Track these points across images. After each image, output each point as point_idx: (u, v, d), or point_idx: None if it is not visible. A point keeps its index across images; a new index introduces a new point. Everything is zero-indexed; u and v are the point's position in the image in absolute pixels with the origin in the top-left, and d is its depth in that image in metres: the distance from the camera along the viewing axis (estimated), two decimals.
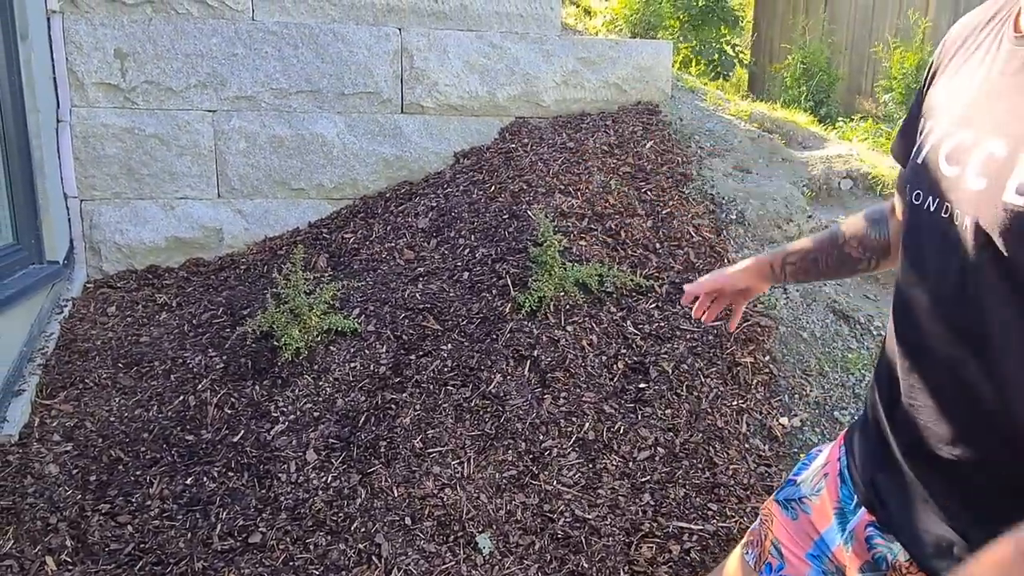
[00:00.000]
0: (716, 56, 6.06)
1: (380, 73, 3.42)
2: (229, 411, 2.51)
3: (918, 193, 0.90)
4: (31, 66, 2.89)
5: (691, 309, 1.47)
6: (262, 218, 3.39)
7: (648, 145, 3.54)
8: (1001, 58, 0.85)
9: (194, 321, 2.93)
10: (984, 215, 0.79)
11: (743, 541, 1.19)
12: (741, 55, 6.55)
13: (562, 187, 3.24)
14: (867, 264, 1.17)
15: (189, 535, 2.11)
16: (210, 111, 3.27)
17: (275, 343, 2.65)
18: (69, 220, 3.19)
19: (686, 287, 1.39)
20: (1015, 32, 0.84)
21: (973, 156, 0.82)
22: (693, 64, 6.09)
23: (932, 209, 0.87)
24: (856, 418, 1.10)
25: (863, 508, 0.96)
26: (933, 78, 0.96)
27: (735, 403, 2.44)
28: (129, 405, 2.56)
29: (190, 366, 2.69)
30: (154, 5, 3.14)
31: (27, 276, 2.82)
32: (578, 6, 5.09)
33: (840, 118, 5.37)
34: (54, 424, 2.46)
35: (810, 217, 3.27)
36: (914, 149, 0.93)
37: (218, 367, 2.67)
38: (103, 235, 3.21)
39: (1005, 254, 0.77)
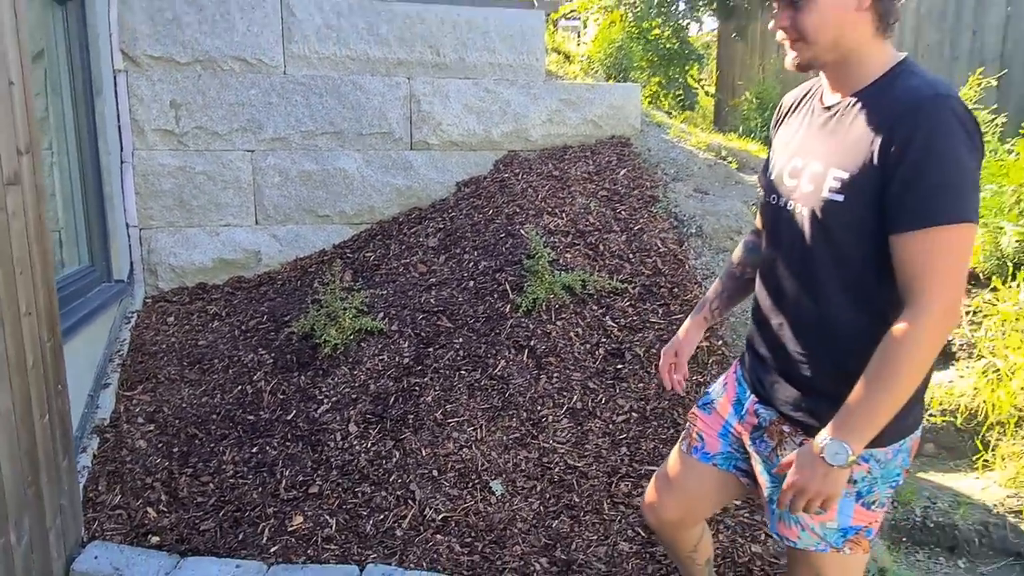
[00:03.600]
0: (681, 90, 6.75)
1: (392, 116, 4.02)
2: (281, 396, 3.05)
3: (773, 196, 1.49)
4: (104, 116, 3.47)
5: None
6: (294, 241, 3.95)
7: (622, 173, 4.16)
8: (814, 117, 1.45)
9: (243, 327, 3.48)
10: (813, 205, 1.37)
11: (679, 441, 1.76)
12: (706, 88, 7.26)
13: (549, 209, 3.84)
14: (755, 278, 1.75)
15: (260, 488, 2.63)
16: (249, 151, 3.85)
17: (316, 341, 3.20)
18: (130, 246, 3.73)
19: (662, 376, 1.78)
20: (821, 103, 1.44)
21: (804, 172, 1.41)
22: (662, 97, 6.77)
23: (782, 205, 1.46)
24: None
25: (752, 395, 1.54)
26: (776, 129, 1.56)
27: (694, 378, 3.01)
28: (197, 394, 3.09)
29: (244, 362, 3.23)
30: (203, 63, 3.74)
31: (101, 293, 3.35)
32: (559, 52, 5.75)
33: None
34: (137, 410, 2.99)
35: None
36: (769, 172, 1.53)
37: (268, 362, 3.22)
38: (159, 258, 3.76)
39: (826, 228, 1.35)
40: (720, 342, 3.18)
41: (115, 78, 3.61)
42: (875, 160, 1.24)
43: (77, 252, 3.31)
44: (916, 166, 1.19)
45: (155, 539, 2.45)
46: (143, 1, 3.60)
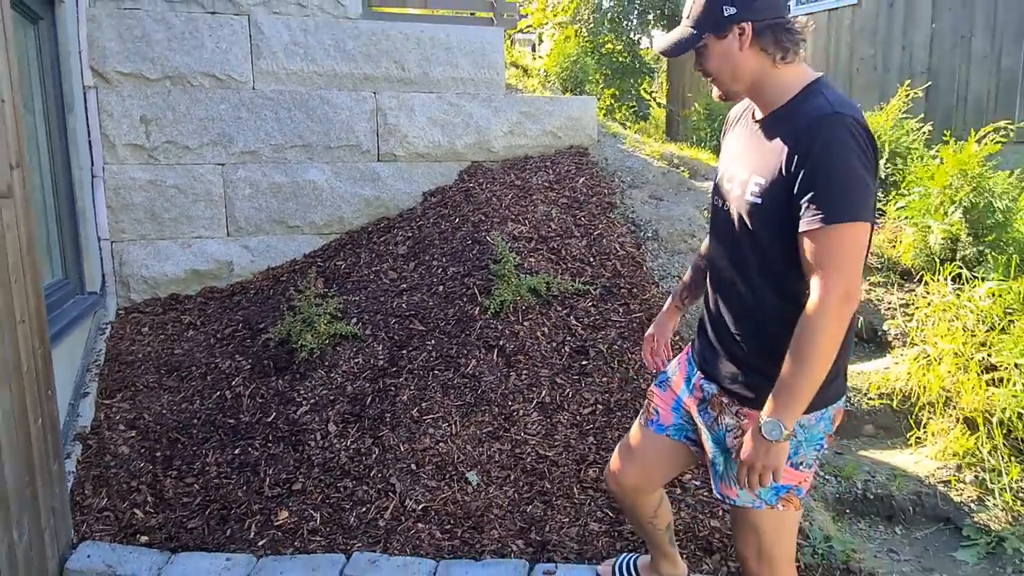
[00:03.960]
0: (634, 102, 7.03)
1: (360, 129, 4.16)
2: (260, 400, 3.15)
3: (716, 199, 1.70)
4: (76, 132, 3.53)
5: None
6: (265, 251, 4.05)
7: (580, 181, 4.37)
8: (748, 131, 1.66)
9: (218, 335, 3.56)
10: (740, 207, 1.58)
11: (639, 416, 1.95)
12: (657, 100, 7.57)
13: (513, 217, 4.02)
14: None
15: (245, 487, 2.73)
16: (220, 164, 3.94)
17: (292, 346, 3.31)
18: (102, 258, 3.79)
19: (645, 360, 2.09)
20: (753, 118, 1.65)
21: (736, 178, 1.62)
22: (617, 110, 7.05)
23: (720, 206, 1.67)
24: None
25: (699, 372, 1.74)
26: (723, 138, 1.78)
27: (654, 371, 3.21)
28: (176, 401, 3.17)
29: (222, 369, 3.32)
30: (172, 79, 3.83)
31: (76, 304, 3.41)
32: (517, 67, 5.97)
33: None
34: (117, 417, 3.06)
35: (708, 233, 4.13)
36: (716, 179, 1.74)
37: (246, 368, 3.31)
38: (131, 270, 3.82)
39: (750, 226, 1.56)
40: (677, 337, 3.39)
41: (85, 94, 3.68)
42: (783, 169, 1.46)
43: (51, 265, 3.36)
44: (815, 173, 1.41)
45: (144, 539, 2.53)
46: (112, 19, 3.68)
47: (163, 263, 3.87)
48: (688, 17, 1.56)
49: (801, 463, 1.61)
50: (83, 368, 3.24)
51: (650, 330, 2.10)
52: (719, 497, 1.72)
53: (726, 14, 1.49)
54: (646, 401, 1.92)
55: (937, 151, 4.19)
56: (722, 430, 1.66)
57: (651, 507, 1.97)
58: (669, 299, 2.08)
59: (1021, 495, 2.67)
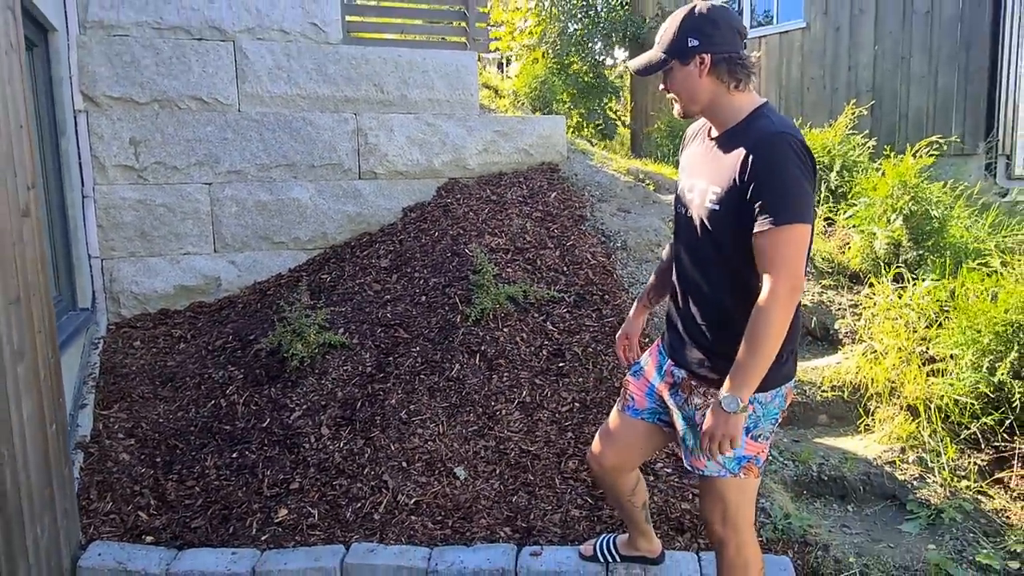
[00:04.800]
0: (601, 121, 7.34)
1: (342, 149, 4.36)
2: (254, 407, 3.30)
3: (679, 207, 1.94)
4: (68, 154, 3.67)
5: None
6: (252, 267, 4.20)
7: (553, 196, 4.62)
8: (705, 146, 1.91)
9: (210, 347, 3.70)
10: (701, 213, 1.82)
11: (616, 403, 2.17)
12: (623, 119, 7.89)
13: (490, 230, 4.25)
14: None
15: (244, 488, 2.88)
16: (207, 184, 4.10)
17: (283, 355, 3.47)
18: (92, 275, 3.90)
19: (619, 356, 2.31)
20: (709, 136, 1.90)
21: (696, 188, 1.86)
22: (584, 127, 7.34)
23: (683, 212, 1.91)
24: None
25: (669, 360, 1.97)
26: (681, 153, 2.03)
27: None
28: (172, 410, 3.31)
29: (215, 379, 3.47)
30: (161, 103, 3.98)
31: (71, 320, 3.52)
32: (488, 87, 6.23)
33: None
34: (116, 427, 3.18)
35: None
36: (678, 188, 1.98)
37: (238, 377, 3.46)
38: (121, 286, 3.94)
39: (709, 229, 1.80)
40: (647, 340, 3.64)
41: (76, 118, 3.81)
42: (737, 179, 1.71)
43: None
44: (763, 184, 1.66)
45: (149, 539, 2.66)
46: (102, 46, 3.83)
47: (152, 279, 4.00)
48: (659, 43, 1.82)
49: (760, 435, 1.84)
50: (80, 381, 3.36)
51: (622, 330, 2.33)
52: (689, 469, 1.95)
53: (690, 45, 1.76)
54: (622, 390, 2.15)
55: (880, 164, 4.54)
56: (692, 409, 1.89)
57: (629, 486, 2.19)
58: (636, 301, 2.31)
59: (957, 472, 2.95)
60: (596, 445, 2.17)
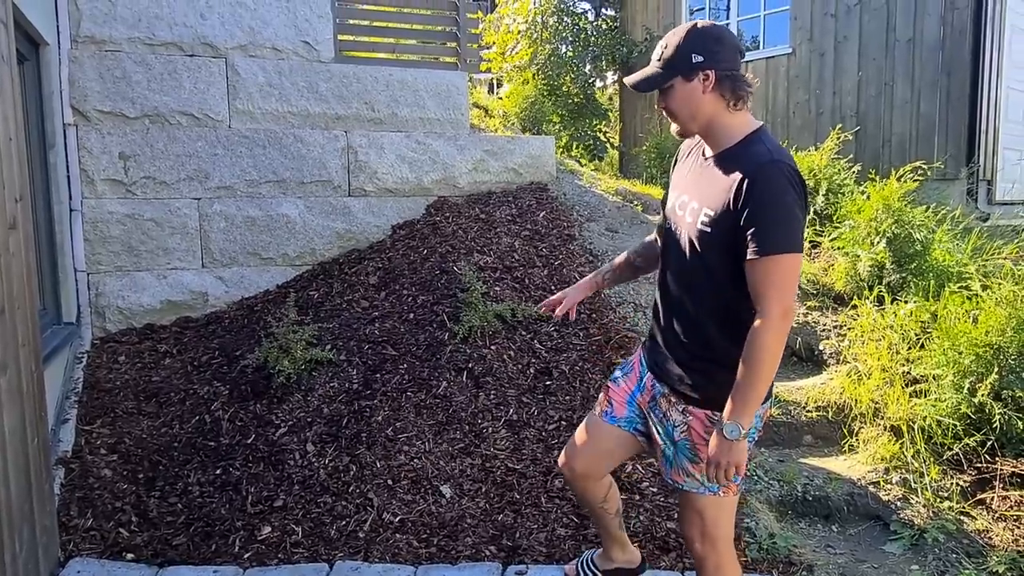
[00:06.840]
0: (590, 142, 7.41)
1: (331, 166, 4.37)
2: (239, 423, 3.28)
3: (669, 224, 1.97)
4: (56, 168, 3.66)
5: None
6: (239, 282, 4.19)
7: (541, 215, 4.65)
8: (698, 165, 1.93)
9: (195, 363, 3.68)
10: (691, 233, 1.84)
11: (592, 409, 2.18)
12: (611, 140, 7.97)
13: (479, 248, 4.27)
14: (643, 269, 2.24)
15: (228, 505, 2.86)
16: (196, 199, 4.10)
17: (269, 371, 3.46)
18: (77, 289, 3.88)
19: (545, 303, 2.34)
20: (703, 155, 1.93)
21: (688, 207, 1.89)
22: (574, 148, 7.41)
23: (672, 229, 1.93)
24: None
25: (649, 373, 1.99)
26: (674, 168, 2.05)
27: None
28: (156, 425, 3.28)
29: (200, 394, 3.44)
30: (151, 118, 3.99)
31: (55, 334, 3.50)
32: (479, 107, 6.28)
33: None
34: (98, 442, 3.15)
35: None
36: (666, 203, 2.01)
37: (224, 393, 3.44)
38: (107, 300, 3.92)
39: (699, 250, 1.82)
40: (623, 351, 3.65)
41: (65, 132, 3.81)
42: (731, 204, 1.72)
43: None
44: (756, 212, 1.67)
45: (130, 556, 2.63)
46: (94, 60, 3.84)
47: (139, 294, 3.98)
48: (660, 60, 1.81)
49: None
50: (62, 395, 3.33)
51: (564, 291, 2.33)
52: (669, 483, 1.96)
53: (694, 61, 1.76)
54: (601, 395, 2.16)
55: (864, 188, 4.61)
56: (671, 425, 1.91)
57: (600, 493, 2.20)
58: (592, 275, 2.33)
59: (940, 493, 2.97)
60: (567, 451, 2.19)
